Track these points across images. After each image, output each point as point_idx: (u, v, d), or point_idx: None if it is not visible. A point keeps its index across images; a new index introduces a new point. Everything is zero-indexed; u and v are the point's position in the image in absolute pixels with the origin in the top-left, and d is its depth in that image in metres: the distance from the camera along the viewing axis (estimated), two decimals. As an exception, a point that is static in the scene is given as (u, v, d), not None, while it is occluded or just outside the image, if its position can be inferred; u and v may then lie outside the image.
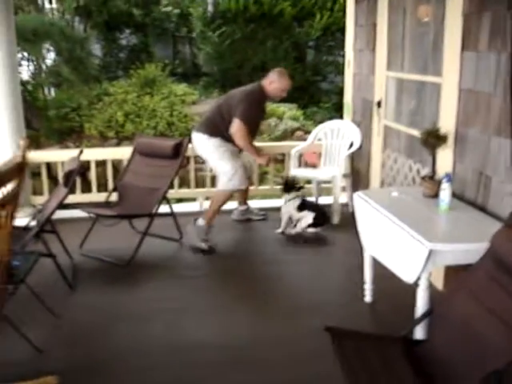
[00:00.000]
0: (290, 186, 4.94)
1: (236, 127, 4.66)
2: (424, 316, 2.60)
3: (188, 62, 15.01)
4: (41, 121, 10.30)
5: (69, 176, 3.72)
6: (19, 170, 2.56)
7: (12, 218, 2.56)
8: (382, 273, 3.36)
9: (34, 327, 3.30)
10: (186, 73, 14.16)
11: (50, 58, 12.19)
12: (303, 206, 4.88)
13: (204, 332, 3.39)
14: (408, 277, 2.85)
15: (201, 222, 4.70)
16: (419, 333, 2.68)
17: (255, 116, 4.86)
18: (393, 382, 2.23)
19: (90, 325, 3.47)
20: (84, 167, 4.46)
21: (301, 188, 5.01)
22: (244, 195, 5.45)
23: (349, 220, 4.95)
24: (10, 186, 2.50)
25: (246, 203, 5.51)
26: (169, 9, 14.25)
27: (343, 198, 5.53)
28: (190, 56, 15.10)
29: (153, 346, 3.22)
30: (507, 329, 2.10)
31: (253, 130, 4.87)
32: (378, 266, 3.40)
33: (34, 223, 4.22)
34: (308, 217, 4.79)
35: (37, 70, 11.83)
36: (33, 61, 11.67)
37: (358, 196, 3.51)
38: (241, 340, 3.28)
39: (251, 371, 2.95)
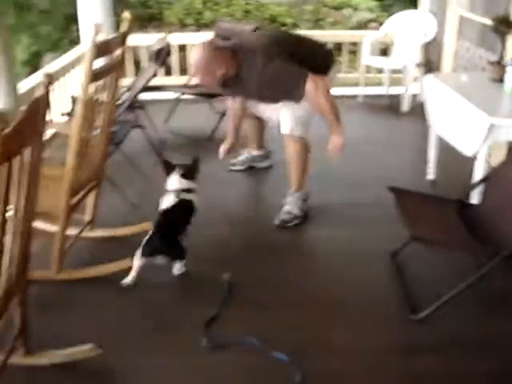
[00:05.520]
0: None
1: None
2: (480, 182, 2.85)
3: None
4: (122, 7, 10.53)
5: (159, 52, 4.05)
6: (123, 39, 2.89)
7: (117, 86, 2.90)
8: (446, 156, 3.68)
9: (129, 187, 3.72)
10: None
11: None
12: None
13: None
14: (469, 150, 3.08)
15: None
16: (474, 200, 2.95)
17: None
18: (446, 228, 2.53)
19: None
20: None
21: None
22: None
23: (418, 109, 5.13)
24: (116, 53, 2.83)
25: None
26: None
27: (415, 89, 5.63)
28: None
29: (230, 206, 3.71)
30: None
31: None
32: (443, 147, 3.67)
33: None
34: None
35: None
36: None
37: (429, 78, 3.69)
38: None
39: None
